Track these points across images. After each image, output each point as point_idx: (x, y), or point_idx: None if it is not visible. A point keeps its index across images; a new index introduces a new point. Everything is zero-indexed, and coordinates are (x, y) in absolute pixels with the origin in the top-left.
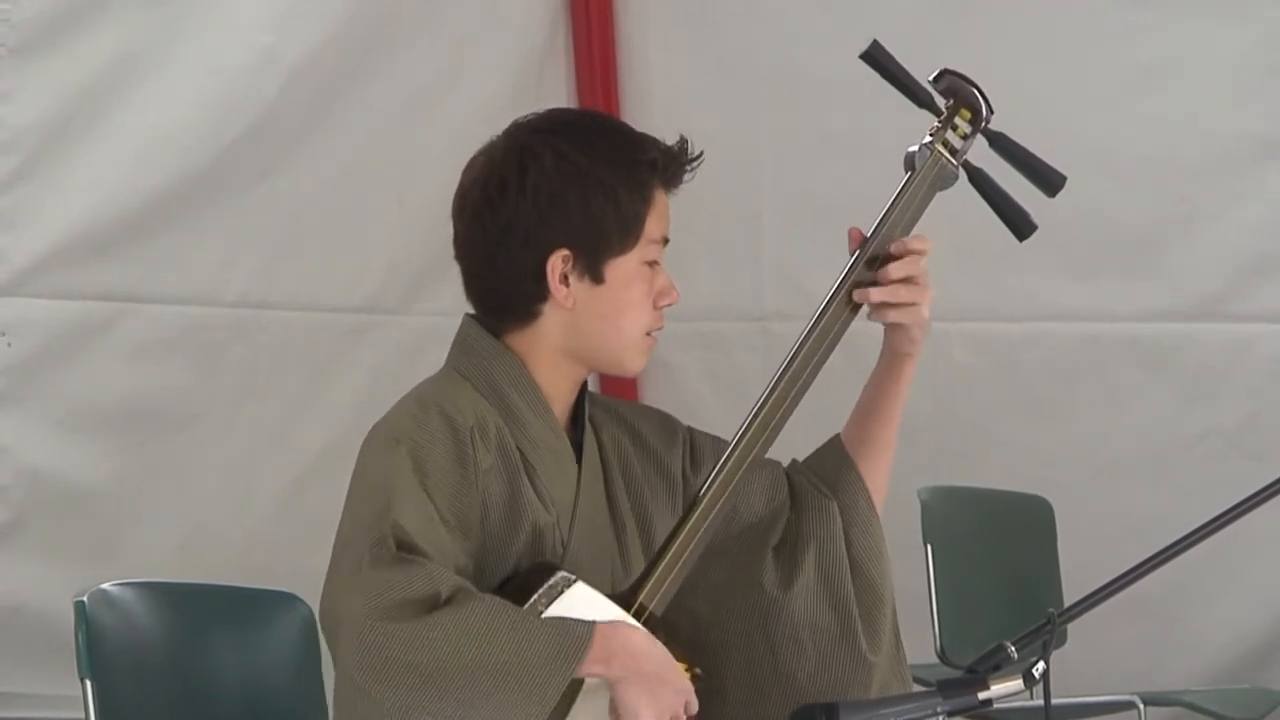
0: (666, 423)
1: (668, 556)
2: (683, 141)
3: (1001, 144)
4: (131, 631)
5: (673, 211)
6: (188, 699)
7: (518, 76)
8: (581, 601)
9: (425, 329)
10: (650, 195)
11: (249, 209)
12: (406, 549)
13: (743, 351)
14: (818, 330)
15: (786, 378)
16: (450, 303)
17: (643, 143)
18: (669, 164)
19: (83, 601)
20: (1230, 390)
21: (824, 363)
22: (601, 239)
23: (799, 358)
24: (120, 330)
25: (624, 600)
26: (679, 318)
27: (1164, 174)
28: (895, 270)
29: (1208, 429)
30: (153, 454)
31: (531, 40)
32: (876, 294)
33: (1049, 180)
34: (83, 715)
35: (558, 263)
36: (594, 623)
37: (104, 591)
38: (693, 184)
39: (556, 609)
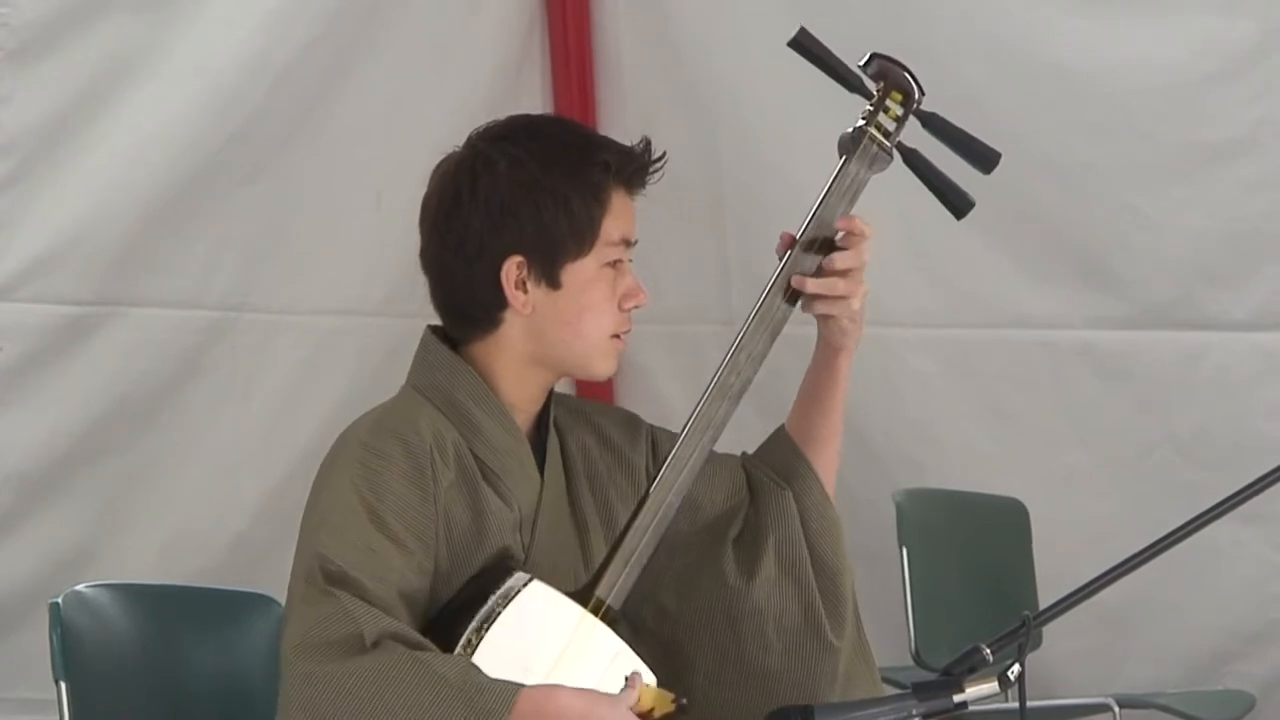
0: (630, 421)
1: (621, 550)
2: (643, 142)
3: (934, 124)
4: (106, 633)
5: (641, 215)
6: (163, 700)
7: (495, 80)
8: (537, 603)
9: (405, 331)
10: (605, 198)
11: (232, 212)
12: (335, 581)
13: (713, 353)
14: (755, 321)
15: (727, 371)
16: (430, 305)
17: (596, 145)
18: (624, 165)
19: (57, 603)
20: (1181, 399)
21: (765, 354)
22: (555, 244)
23: (740, 350)
24: (110, 334)
25: (582, 596)
26: (650, 320)
27: (1109, 182)
28: (840, 261)
29: (1160, 438)
30: (136, 458)
31: (509, 44)
32: (813, 285)
33: (984, 157)
34: (57, 717)
35: (512, 269)
36: (519, 690)
37: (78, 593)
38: (662, 187)
39: (513, 610)
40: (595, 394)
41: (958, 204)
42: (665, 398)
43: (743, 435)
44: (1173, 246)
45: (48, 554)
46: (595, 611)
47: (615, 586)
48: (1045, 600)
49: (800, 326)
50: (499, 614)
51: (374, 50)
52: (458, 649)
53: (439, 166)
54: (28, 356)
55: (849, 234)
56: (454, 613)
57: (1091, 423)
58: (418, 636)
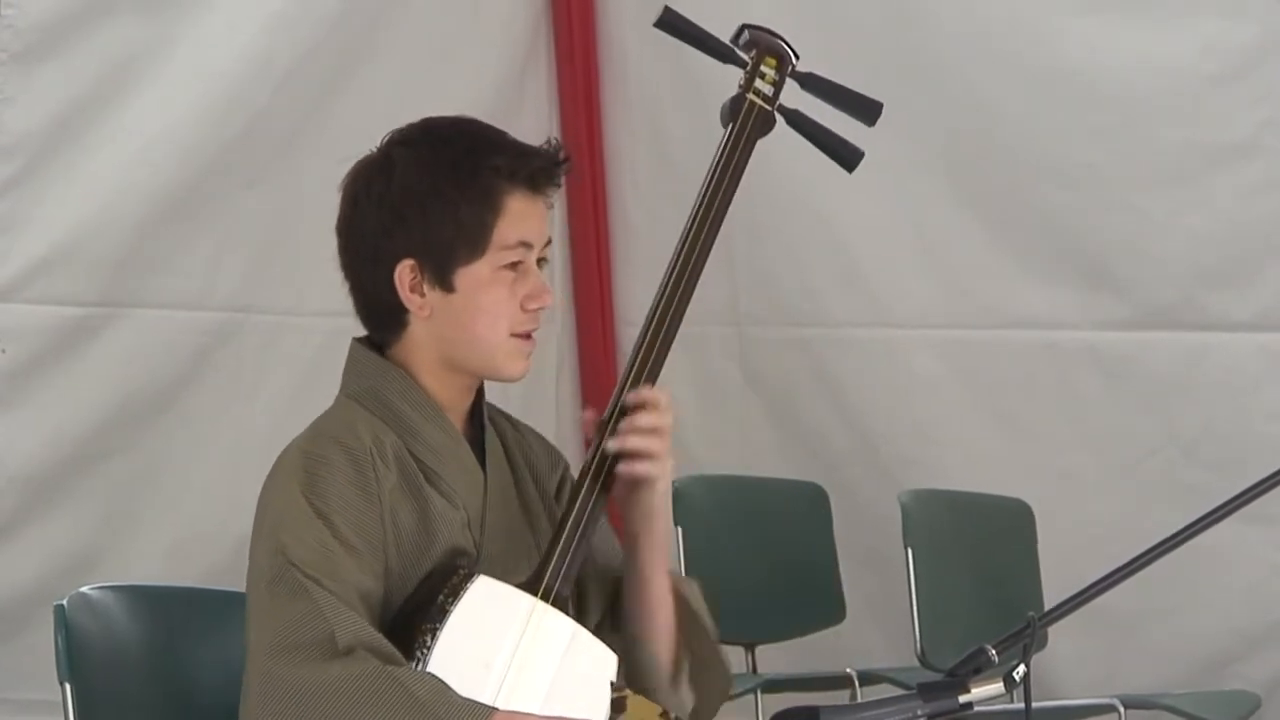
0: (551, 449)
1: (563, 536)
2: (549, 143)
3: (813, 84)
4: (111, 635)
5: (650, 217)
6: (167, 702)
7: (500, 81)
8: (485, 597)
9: None
10: (498, 202)
11: (236, 213)
12: (304, 580)
13: (719, 355)
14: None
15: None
16: None
17: (491, 148)
18: (520, 168)
19: (62, 606)
20: (1185, 400)
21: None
22: (445, 249)
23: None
24: (113, 336)
25: (530, 585)
26: None
27: (1112, 184)
28: (641, 419)
29: (1163, 439)
30: (141, 459)
31: (513, 44)
32: (630, 440)
33: (866, 110)
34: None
35: (405, 273)
36: (491, 712)
37: (83, 595)
38: (669, 186)
39: (462, 608)
40: (602, 398)
41: (847, 157)
42: (672, 399)
43: (750, 436)
44: (1176, 248)
45: (53, 556)
46: (545, 598)
47: (561, 573)
48: (1050, 601)
49: (807, 328)
50: (450, 613)
51: (377, 51)
52: (415, 653)
53: (351, 169)
54: (31, 358)
55: (646, 404)
56: (407, 616)
57: (1095, 423)
58: (390, 647)
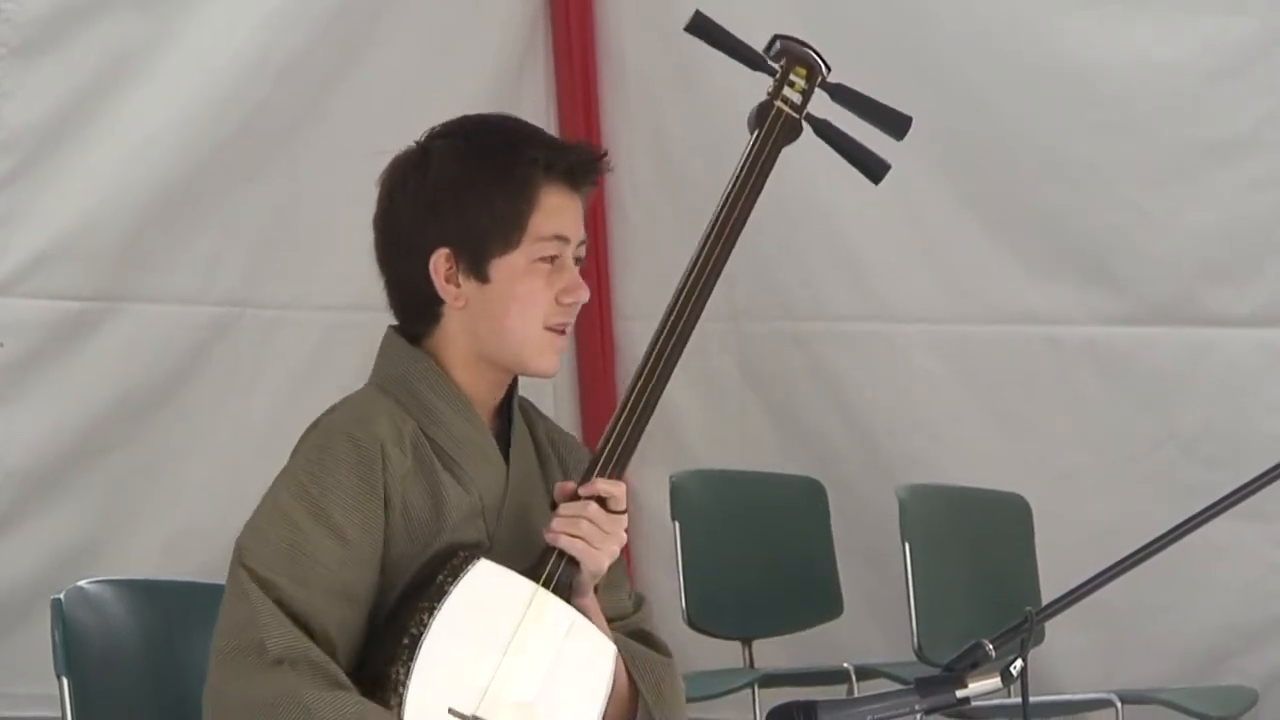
0: (585, 456)
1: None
2: (587, 141)
3: (843, 95)
4: (108, 629)
5: (647, 212)
6: (164, 696)
7: (499, 76)
8: (486, 581)
9: None
10: (533, 194)
11: (236, 208)
12: (249, 584)
13: (716, 350)
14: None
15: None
16: None
17: (527, 142)
18: (557, 162)
19: (59, 599)
20: (1185, 396)
21: None
22: (480, 240)
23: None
24: (111, 330)
25: (534, 572)
26: (656, 317)
27: (1113, 180)
28: (565, 508)
29: (1163, 434)
30: (139, 453)
31: (512, 40)
32: (557, 524)
33: (895, 123)
34: (59, 713)
35: (440, 263)
36: None
37: (81, 589)
38: (667, 184)
39: (461, 589)
40: (600, 393)
41: (874, 168)
42: (670, 395)
43: (748, 431)
44: (1176, 244)
45: (51, 550)
46: (547, 585)
47: (563, 563)
48: (1048, 596)
49: (806, 323)
50: (449, 593)
51: (376, 47)
52: (410, 630)
53: (389, 163)
54: (30, 352)
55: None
56: (406, 595)
57: (1095, 419)
58: (323, 661)
